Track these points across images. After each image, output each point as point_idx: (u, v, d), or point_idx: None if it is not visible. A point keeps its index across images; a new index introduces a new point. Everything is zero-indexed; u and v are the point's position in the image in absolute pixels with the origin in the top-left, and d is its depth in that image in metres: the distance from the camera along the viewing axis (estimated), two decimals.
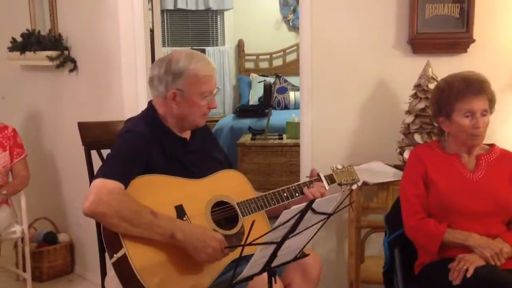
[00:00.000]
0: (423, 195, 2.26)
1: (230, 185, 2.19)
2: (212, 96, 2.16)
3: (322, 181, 2.28)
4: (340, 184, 2.31)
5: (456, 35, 2.97)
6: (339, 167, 2.34)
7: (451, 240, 2.17)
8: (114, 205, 1.86)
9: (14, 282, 3.79)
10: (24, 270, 3.55)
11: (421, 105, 2.76)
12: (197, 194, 2.08)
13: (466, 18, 2.94)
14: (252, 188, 2.25)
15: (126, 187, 1.93)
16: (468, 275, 2.01)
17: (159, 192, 2.01)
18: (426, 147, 2.39)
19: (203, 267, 1.97)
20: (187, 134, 2.23)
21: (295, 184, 2.25)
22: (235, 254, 2.02)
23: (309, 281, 2.17)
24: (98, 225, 2.16)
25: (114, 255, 1.92)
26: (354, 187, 2.36)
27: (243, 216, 2.10)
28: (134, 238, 1.89)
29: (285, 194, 2.20)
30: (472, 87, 2.21)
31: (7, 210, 3.36)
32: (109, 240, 1.97)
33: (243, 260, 1.65)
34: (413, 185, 2.28)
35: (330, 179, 2.30)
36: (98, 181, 1.91)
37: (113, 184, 1.89)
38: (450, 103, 2.24)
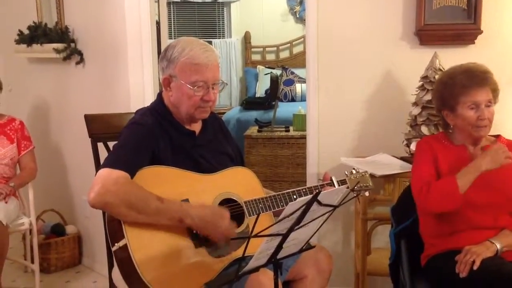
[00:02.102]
0: (435, 177, 2.23)
1: (239, 182, 2.16)
2: (207, 88, 2.07)
3: (334, 186, 2.22)
4: (353, 190, 2.27)
5: (463, 26, 2.95)
6: (354, 172, 2.31)
7: (466, 180, 2.13)
8: (121, 194, 1.85)
9: (22, 273, 3.82)
10: (32, 262, 3.57)
11: (428, 96, 2.75)
12: (204, 189, 2.07)
13: (473, 9, 2.91)
14: (261, 187, 2.23)
15: (132, 178, 1.92)
16: (475, 267, 2.01)
17: (166, 184, 2.00)
18: (434, 138, 2.37)
19: (204, 264, 1.97)
20: (196, 127, 2.20)
21: (306, 186, 2.22)
22: (237, 254, 2.01)
23: (322, 274, 2.18)
24: (105, 217, 2.16)
25: (116, 244, 1.92)
26: (367, 194, 2.33)
27: (250, 215, 2.08)
28: (137, 230, 1.88)
29: (294, 197, 2.16)
30: (476, 79, 2.19)
31: (15, 202, 3.38)
32: (111, 229, 1.97)
33: (244, 261, 1.65)
34: (426, 166, 2.24)
35: (343, 184, 2.25)
36: (104, 171, 1.90)
37: (119, 174, 1.88)
38: (454, 96, 2.22)
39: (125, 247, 1.87)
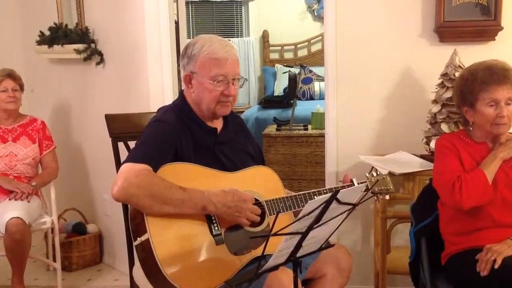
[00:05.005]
0: (463, 172, 2.19)
1: (261, 182, 2.17)
2: (227, 82, 2.09)
3: None
4: (373, 193, 2.26)
5: (483, 23, 2.92)
6: (375, 175, 2.29)
7: (490, 170, 2.15)
8: (144, 185, 1.86)
9: (45, 271, 3.87)
10: (54, 260, 3.62)
11: (448, 94, 2.73)
12: (225, 187, 2.07)
13: (494, 5, 2.88)
14: (282, 187, 2.23)
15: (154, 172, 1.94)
16: (496, 266, 2.00)
17: (186, 182, 2.00)
18: (454, 136, 2.36)
19: (224, 262, 1.97)
20: (218, 125, 2.21)
21: (327, 187, 2.23)
22: (257, 252, 2.01)
23: (342, 273, 2.18)
24: (126, 215, 2.18)
25: (138, 238, 1.94)
26: (387, 197, 2.30)
27: (270, 214, 2.09)
28: (159, 225, 1.90)
29: (315, 197, 2.14)
30: (496, 76, 2.17)
31: (37, 201, 3.42)
32: (134, 225, 1.99)
33: (264, 259, 1.65)
34: (453, 162, 2.22)
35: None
36: (126, 166, 1.92)
37: (141, 167, 1.90)
38: (473, 92, 2.21)
39: (147, 241, 1.89)
